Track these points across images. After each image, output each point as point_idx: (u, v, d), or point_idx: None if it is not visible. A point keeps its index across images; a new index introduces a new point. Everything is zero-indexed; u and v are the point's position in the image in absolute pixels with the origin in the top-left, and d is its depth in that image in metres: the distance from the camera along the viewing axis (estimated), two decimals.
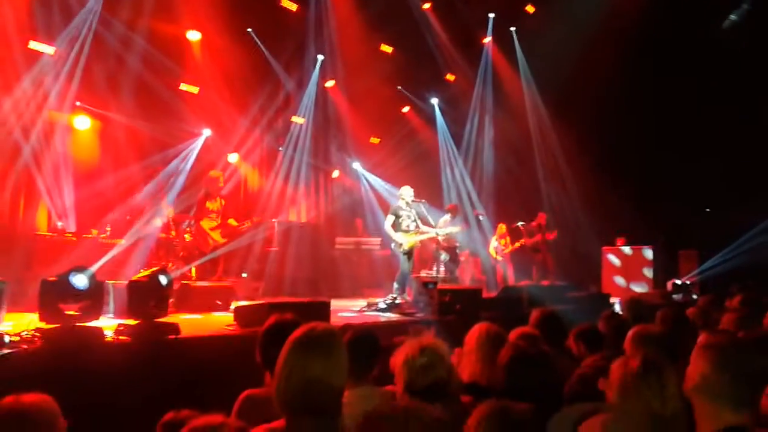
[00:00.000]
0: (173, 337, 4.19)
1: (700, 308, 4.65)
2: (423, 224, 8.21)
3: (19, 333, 3.79)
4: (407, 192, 8.17)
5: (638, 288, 11.17)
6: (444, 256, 9.83)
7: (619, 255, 12.32)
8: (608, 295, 8.84)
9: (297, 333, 1.89)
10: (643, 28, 11.61)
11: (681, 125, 12.37)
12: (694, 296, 9.80)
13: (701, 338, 1.92)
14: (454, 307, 6.24)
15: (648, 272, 11.81)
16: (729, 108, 12.13)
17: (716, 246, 12.10)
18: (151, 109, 9.58)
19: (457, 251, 10.28)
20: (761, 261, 11.36)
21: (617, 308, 6.30)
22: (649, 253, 11.90)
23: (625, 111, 12.56)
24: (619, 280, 12.06)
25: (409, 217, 7.98)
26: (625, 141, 12.78)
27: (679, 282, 10.17)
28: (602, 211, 11.85)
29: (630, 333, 2.92)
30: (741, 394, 1.71)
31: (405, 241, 7.82)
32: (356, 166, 13.58)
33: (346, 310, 7.22)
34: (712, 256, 12.01)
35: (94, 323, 3.97)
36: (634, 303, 4.31)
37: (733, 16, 12.61)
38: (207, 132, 10.52)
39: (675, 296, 9.72)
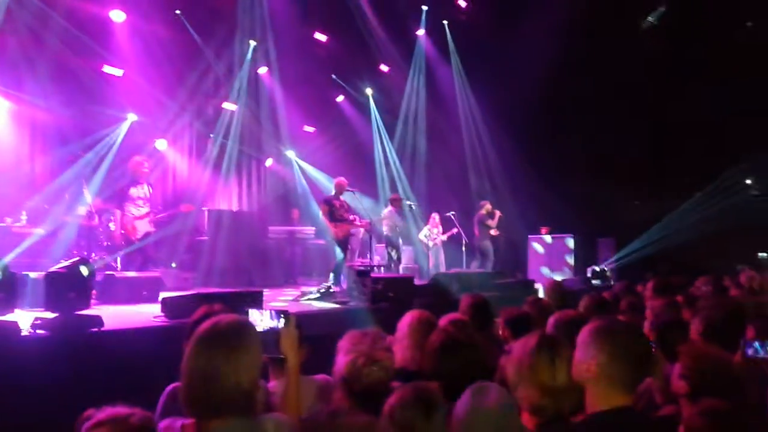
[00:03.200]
0: (96, 330, 4.03)
1: (613, 293, 4.96)
2: (354, 214, 8.33)
3: None
4: (341, 182, 8.25)
5: (560, 274, 11.72)
6: (390, 247, 9.96)
7: (543, 243, 12.87)
8: (533, 282, 9.25)
9: (201, 328, 1.78)
10: (569, 26, 12.10)
11: (601, 120, 13.03)
12: (612, 282, 10.42)
13: (589, 324, 2.04)
14: (387, 295, 6.33)
15: (569, 259, 12.42)
16: (643, 106, 12.90)
17: (632, 234, 12.90)
18: (72, 91, 9.06)
19: (398, 241, 10.44)
20: (671, 248, 12.22)
21: (540, 293, 6.60)
22: (570, 242, 12.51)
23: (550, 105, 13.11)
24: (543, 267, 12.60)
25: (342, 206, 8.09)
26: (550, 133, 13.35)
27: (597, 268, 10.75)
28: (528, 201, 12.34)
29: (552, 318, 3.07)
30: (625, 375, 1.83)
31: (339, 230, 7.91)
32: (290, 154, 13.43)
33: (280, 299, 7.17)
34: (628, 244, 12.79)
35: (8, 317, 3.76)
36: (556, 288, 4.52)
37: (650, 18, 13.36)
38: (132, 117, 10.08)
39: (594, 282, 10.27)
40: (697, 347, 2.58)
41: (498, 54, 12.82)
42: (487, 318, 3.78)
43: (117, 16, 9.61)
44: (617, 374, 1.82)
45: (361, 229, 10.24)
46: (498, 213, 11.26)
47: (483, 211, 11.22)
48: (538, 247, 12.92)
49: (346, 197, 8.58)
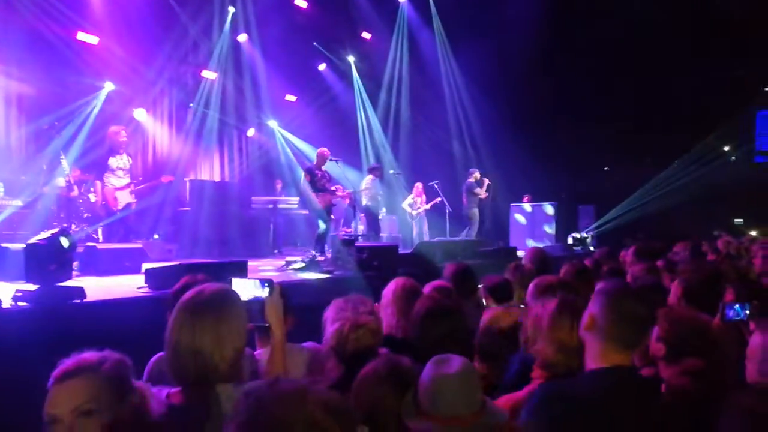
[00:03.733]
0: (78, 301, 4.00)
1: (595, 260, 5.04)
2: (337, 184, 8.32)
3: None
4: (323, 152, 8.26)
5: (541, 242, 11.87)
6: (367, 210, 9.93)
7: (525, 211, 12.98)
8: (515, 249, 9.35)
9: (184, 297, 1.77)
10: None
11: (581, 88, 13.03)
12: (591, 248, 10.58)
13: (598, 285, 2.10)
14: (372, 264, 6.36)
15: (550, 227, 12.56)
16: (623, 73, 12.91)
17: (612, 202, 13.06)
18: (46, 60, 8.79)
19: (378, 209, 10.44)
20: (650, 215, 12.41)
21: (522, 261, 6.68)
22: (551, 209, 12.63)
23: (533, 71, 13.05)
24: (525, 235, 12.74)
25: (324, 177, 8.06)
26: (533, 104, 13.33)
27: (578, 235, 10.89)
28: (510, 169, 12.39)
29: (532, 283, 3.12)
30: (626, 336, 1.87)
31: (321, 200, 7.90)
32: (272, 124, 13.26)
33: (264, 269, 7.17)
34: (607, 212, 12.97)
35: None
36: (537, 254, 4.55)
37: None
38: (109, 86, 9.84)
39: (575, 249, 10.42)
40: (675, 310, 2.64)
41: (480, 18, 12.68)
42: (471, 285, 3.82)
43: None
44: (615, 332, 1.86)
45: (346, 199, 10.23)
46: (486, 181, 11.30)
47: (471, 179, 11.24)
48: (520, 216, 13.04)
49: (330, 167, 8.53)
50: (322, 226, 8.03)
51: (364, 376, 1.77)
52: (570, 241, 10.73)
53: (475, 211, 11.17)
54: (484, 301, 3.71)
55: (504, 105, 13.14)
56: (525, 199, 13.12)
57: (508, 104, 13.14)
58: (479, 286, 3.81)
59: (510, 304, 3.63)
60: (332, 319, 2.28)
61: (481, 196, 11.15)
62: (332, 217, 10.65)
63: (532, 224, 12.83)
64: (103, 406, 1.50)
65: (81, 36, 9.34)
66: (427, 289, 3.14)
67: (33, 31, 8.54)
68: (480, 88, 13.67)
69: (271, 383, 1.16)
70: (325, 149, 8.45)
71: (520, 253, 8.41)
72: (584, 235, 11.07)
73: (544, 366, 2.10)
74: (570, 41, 12.64)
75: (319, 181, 8.01)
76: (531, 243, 12.55)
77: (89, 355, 1.57)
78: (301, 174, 8.38)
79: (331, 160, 8.74)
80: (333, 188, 8.28)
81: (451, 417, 1.63)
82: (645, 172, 13.48)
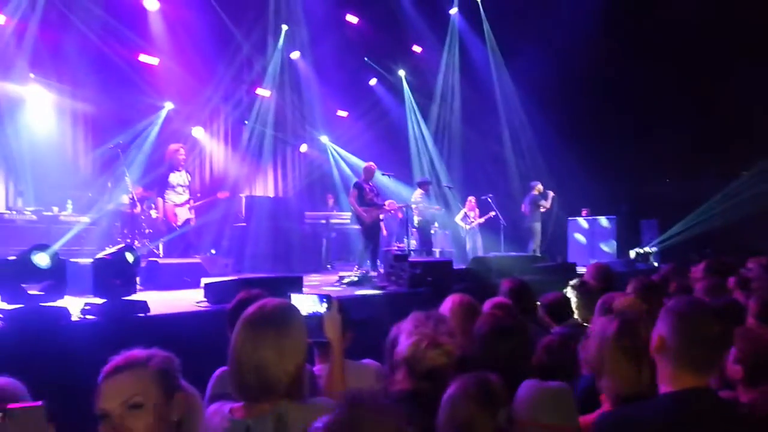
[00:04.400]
0: (142, 314, 4.11)
1: (662, 276, 4.79)
2: (385, 199, 8.36)
3: None
4: (370, 167, 8.33)
5: (602, 257, 11.47)
6: (418, 225, 9.90)
7: (584, 225, 12.59)
8: (574, 265, 9.05)
9: (247, 312, 1.77)
10: (608, 6, 11.70)
11: (641, 98, 12.60)
12: (656, 264, 10.14)
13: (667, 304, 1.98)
14: (426, 280, 6.28)
15: (611, 242, 12.12)
16: (687, 82, 12.40)
17: (676, 215, 12.49)
18: (110, 81, 9.25)
19: (430, 224, 10.38)
20: (717, 229, 11.79)
21: (585, 277, 6.46)
22: (612, 223, 12.20)
23: (590, 82, 12.73)
24: (584, 250, 12.35)
25: (372, 191, 8.09)
26: (589, 113, 12.97)
27: (641, 250, 10.46)
28: (568, 183, 12.06)
29: (600, 301, 2.98)
30: (699, 358, 1.75)
31: (369, 214, 7.93)
32: (324, 139, 13.44)
33: (318, 284, 7.21)
34: (671, 226, 12.40)
35: (58, 303, 3.86)
36: (601, 271, 4.37)
37: None
38: (169, 105, 10.23)
39: (638, 264, 10.01)
40: (752, 330, 2.47)
41: (534, 30, 12.49)
42: (529, 302, 3.70)
43: (151, 4, 9.73)
44: (687, 354, 1.74)
45: (398, 213, 10.22)
46: (551, 193, 11.07)
47: (535, 192, 11.01)
48: (579, 230, 12.66)
49: (382, 181, 8.57)
50: (368, 240, 8.08)
51: (454, 395, 1.73)
52: (632, 256, 10.31)
53: (538, 224, 10.95)
54: (543, 319, 3.60)
55: (559, 116, 12.85)
56: (583, 212, 12.74)
57: (564, 115, 12.84)
58: (538, 303, 3.70)
59: (570, 322, 3.50)
60: (409, 331, 2.24)
61: (545, 209, 10.93)
62: (384, 232, 10.70)
63: (591, 239, 12.43)
64: (152, 400, 1.52)
65: (143, 58, 9.78)
66: (487, 306, 3.06)
67: (98, 54, 8.99)
68: (533, 99, 13.44)
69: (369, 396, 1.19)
70: (372, 164, 8.48)
71: (579, 269, 8.14)
72: (647, 250, 10.61)
73: (611, 390, 1.98)
74: (628, 49, 12.27)
75: (366, 196, 8.05)
76: (586, 251, 12.18)
77: (137, 352, 1.60)
78: (351, 189, 8.45)
79: (383, 174, 8.77)
80: (380, 202, 8.31)
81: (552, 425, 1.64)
82: (711, 183, 12.85)
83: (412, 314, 2.30)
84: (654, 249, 11.14)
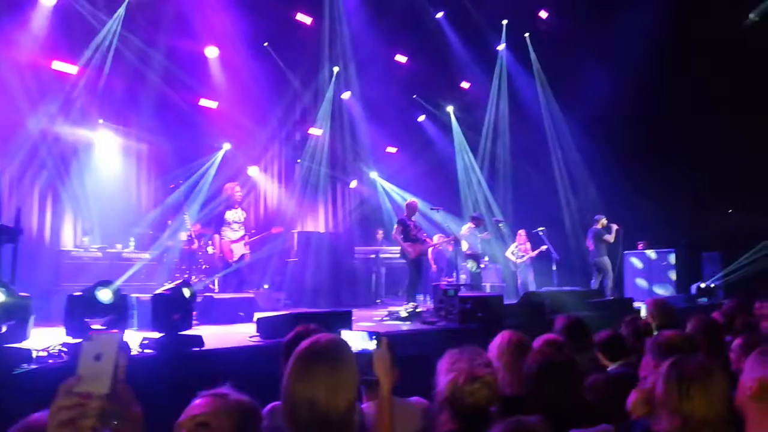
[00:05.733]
0: (197, 349, 4.22)
1: (725, 312, 4.57)
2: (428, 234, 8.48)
3: (46, 348, 3.85)
4: (412, 204, 8.49)
5: (661, 292, 11.00)
6: (470, 264, 9.87)
7: (641, 259, 12.16)
8: (631, 300, 8.73)
9: (300, 347, 1.79)
10: (662, 28, 11.51)
11: (700, 126, 12.20)
12: (720, 300, 9.63)
13: (737, 342, 1.87)
14: (476, 315, 6.20)
15: (671, 276, 11.63)
16: (750, 108, 11.94)
17: (739, 248, 11.87)
18: (172, 124, 9.76)
19: (480, 259, 10.29)
20: None
21: (642, 313, 6.23)
22: (671, 257, 11.73)
23: (643, 113, 12.45)
24: (642, 284, 11.89)
25: (415, 227, 8.23)
26: (643, 144, 12.66)
27: (703, 285, 9.97)
28: (623, 215, 11.71)
29: (650, 340, 2.87)
30: None
31: (413, 249, 8.03)
32: (374, 175, 13.63)
33: (367, 319, 7.22)
34: (735, 259, 11.78)
35: None
36: (660, 307, 4.20)
37: (753, 15, 12.44)
38: (226, 146, 10.66)
39: (700, 300, 9.55)
40: None
41: (583, 63, 12.41)
42: (585, 340, 3.59)
43: (211, 52, 10.28)
44: None
45: (448, 247, 10.20)
46: (615, 226, 10.77)
47: (598, 225, 10.73)
48: (636, 264, 12.21)
49: (432, 216, 8.66)
50: (415, 275, 8.17)
51: None
52: (694, 291, 9.84)
53: (605, 259, 10.63)
54: (598, 357, 3.48)
55: (612, 146, 12.58)
56: (639, 246, 12.31)
57: (617, 145, 12.57)
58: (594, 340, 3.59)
59: (624, 362, 3.37)
60: (446, 370, 2.22)
61: (610, 243, 10.65)
62: (433, 267, 10.66)
63: (648, 273, 11.95)
64: (220, 428, 1.57)
65: (203, 102, 10.29)
66: (537, 343, 3.00)
67: (161, 99, 9.53)
68: (584, 130, 13.25)
69: None
70: (415, 200, 8.63)
71: (637, 305, 7.85)
72: (710, 285, 10.10)
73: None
74: (682, 73, 11.96)
75: (410, 232, 8.14)
76: (644, 286, 11.70)
77: (225, 388, 1.70)
78: (394, 225, 8.57)
79: (431, 209, 8.81)
80: (423, 237, 8.40)
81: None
82: None
83: (447, 352, 2.27)
84: (717, 283, 10.60)
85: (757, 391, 1.68)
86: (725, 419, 1.75)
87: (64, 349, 3.82)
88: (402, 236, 8.13)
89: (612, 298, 9.67)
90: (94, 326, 3.97)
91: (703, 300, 9.51)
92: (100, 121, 9.15)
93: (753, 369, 1.71)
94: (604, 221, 10.77)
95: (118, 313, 4.06)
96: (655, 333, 3.17)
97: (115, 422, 0.92)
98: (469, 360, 2.17)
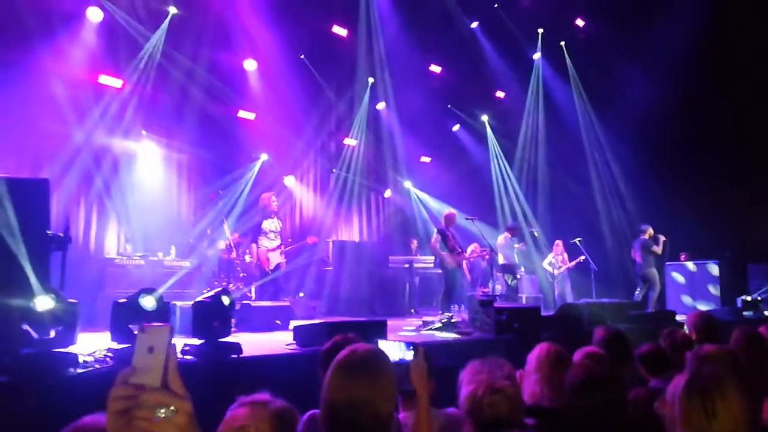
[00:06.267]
0: (235, 356, 4.30)
1: None
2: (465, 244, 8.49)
3: (92, 353, 3.97)
4: (450, 215, 8.52)
5: (705, 305, 10.66)
6: (507, 277, 9.79)
7: (684, 271, 11.81)
8: (673, 313, 8.48)
9: (339, 356, 1.80)
10: (702, 33, 11.25)
11: (744, 133, 11.84)
12: (766, 313, 9.28)
13: None
14: (512, 326, 6.13)
15: (714, 288, 11.26)
16: None
17: None
18: (211, 135, 10.01)
19: (516, 269, 10.18)
20: None
21: (685, 327, 6.06)
22: (715, 269, 11.36)
23: (684, 120, 12.15)
24: (685, 297, 11.54)
25: (454, 238, 8.28)
26: (684, 152, 12.32)
27: (748, 298, 9.61)
28: (664, 225, 11.42)
29: (690, 353, 2.80)
30: None
31: (452, 259, 8.09)
32: (408, 184, 13.65)
33: (401, 329, 7.21)
34: None
35: None
36: (703, 320, 4.07)
37: None
38: (264, 156, 10.85)
39: (745, 313, 9.21)
40: None
41: (620, 71, 12.22)
42: (624, 352, 3.51)
43: (249, 65, 10.51)
44: None
45: (484, 257, 10.13)
46: (662, 237, 10.49)
47: (646, 236, 10.45)
48: (679, 276, 11.87)
49: (467, 225, 8.66)
50: (452, 284, 8.20)
51: None
52: (739, 304, 9.49)
53: (653, 270, 10.35)
54: (639, 370, 3.40)
55: (651, 155, 12.30)
56: (682, 257, 11.96)
57: (656, 154, 12.28)
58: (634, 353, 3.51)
59: (668, 375, 3.28)
60: (467, 381, 2.21)
61: (657, 254, 10.40)
62: (468, 277, 10.59)
63: (692, 285, 11.59)
64: None
65: (241, 113, 10.52)
66: (577, 356, 2.95)
67: (202, 111, 9.79)
68: (622, 138, 13.00)
69: None
70: (453, 211, 8.65)
71: (679, 318, 7.63)
72: (757, 297, 9.73)
73: None
74: (725, 81, 11.64)
75: (449, 242, 8.18)
76: (687, 298, 11.35)
77: (263, 395, 1.74)
78: (433, 234, 8.59)
79: (466, 218, 8.79)
80: (459, 250, 8.42)
81: None
82: None
83: (469, 363, 2.26)
84: (764, 296, 10.21)
85: None
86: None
87: (110, 354, 3.94)
88: (439, 246, 8.15)
89: (654, 310, 9.41)
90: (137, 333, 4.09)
91: (749, 313, 9.17)
92: (144, 132, 9.45)
93: None
94: (651, 231, 10.50)
95: (161, 319, 4.17)
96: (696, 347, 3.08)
97: (167, 415, 0.94)
98: (490, 372, 2.15)
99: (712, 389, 1.77)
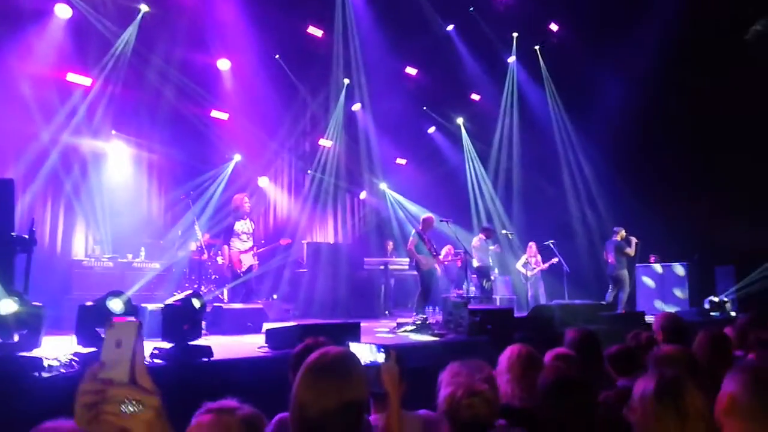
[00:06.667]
0: (206, 359, 4.23)
1: (737, 327, 4.50)
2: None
3: (58, 357, 3.87)
4: (428, 219, 8.56)
5: (673, 306, 10.89)
6: (484, 281, 9.85)
7: (653, 274, 12.05)
8: (643, 314, 8.65)
9: (310, 359, 1.79)
10: (673, 39, 11.49)
11: (712, 137, 12.13)
12: (732, 314, 9.52)
13: (750, 357, 1.87)
14: (485, 328, 6.16)
15: (682, 290, 11.51)
16: (757, 121, 11.85)
17: (755, 262, 11.73)
18: (183, 136, 9.85)
19: (490, 271, 10.25)
20: None
21: (653, 327, 6.17)
22: (682, 270, 11.62)
23: (652, 126, 12.41)
24: (654, 298, 11.77)
25: (430, 241, 8.33)
26: (653, 156, 12.58)
27: (716, 299, 9.86)
28: (634, 228, 11.64)
29: (651, 354, 2.85)
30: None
31: (427, 262, 8.13)
32: (383, 186, 13.65)
33: (376, 331, 7.20)
34: (750, 273, 11.64)
35: None
36: (670, 321, 4.14)
37: (757, 26, 12.38)
38: (237, 157, 10.74)
39: (712, 314, 9.44)
40: None
41: (593, 75, 12.41)
42: (595, 354, 3.56)
43: (223, 64, 10.39)
44: (757, 412, 1.63)
45: (457, 261, 10.19)
46: (634, 239, 10.64)
47: (618, 237, 10.60)
48: (648, 277, 12.11)
49: (441, 227, 8.69)
50: (428, 287, 8.24)
51: None
52: (707, 305, 9.72)
53: (625, 272, 10.49)
54: (608, 371, 3.45)
55: (623, 158, 12.53)
56: (651, 259, 12.21)
57: (628, 157, 12.51)
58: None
59: (636, 375, 3.34)
60: (446, 382, 2.21)
61: (630, 256, 10.55)
62: (443, 278, 10.64)
63: (661, 287, 11.83)
64: None
65: (214, 113, 10.39)
66: (548, 357, 2.97)
67: (173, 111, 9.64)
68: (595, 142, 13.22)
69: None
70: (431, 215, 8.67)
71: (648, 319, 7.77)
72: (723, 299, 9.98)
73: None
74: (696, 83, 11.90)
75: (425, 245, 8.18)
76: (656, 299, 11.57)
77: (230, 401, 1.70)
78: (410, 236, 8.61)
79: (441, 220, 8.84)
80: (436, 252, 8.47)
81: None
82: None
83: (449, 364, 2.26)
84: (730, 298, 10.48)
85: (727, 406, 1.67)
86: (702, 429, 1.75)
87: (76, 359, 3.84)
88: (416, 249, 8.18)
89: (624, 311, 9.57)
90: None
91: (716, 314, 9.40)
92: (113, 132, 9.25)
93: (727, 384, 1.70)
94: (623, 233, 10.66)
95: None
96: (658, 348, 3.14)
97: (135, 409, 0.95)
98: (469, 375, 2.16)
99: (681, 390, 1.82)
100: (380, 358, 2.17)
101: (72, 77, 8.65)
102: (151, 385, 0.98)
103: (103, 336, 1.02)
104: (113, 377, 0.96)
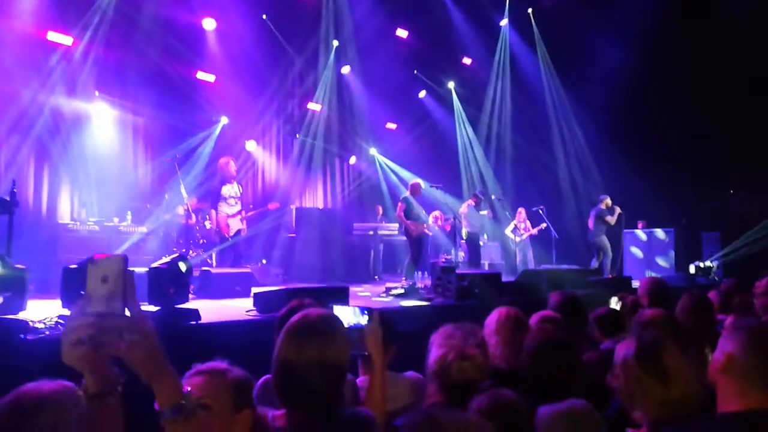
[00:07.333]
0: (194, 323, 4.22)
1: (721, 292, 4.56)
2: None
3: (43, 320, 3.85)
4: (416, 185, 8.56)
5: (660, 271, 11.03)
6: (467, 237, 9.85)
7: (640, 238, 12.16)
8: (629, 279, 8.75)
9: (291, 320, 1.80)
10: (667, 5, 11.33)
11: (702, 104, 12.09)
12: (716, 279, 9.67)
13: (730, 321, 1.88)
14: (473, 292, 6.21)
15: (669, 255, 11.65)
16: (753, 88, 11.81)
17: (740, 228, 11.86)
18: (168, 97, 9.63)
19: (479, 236, 10.28)
20: None
21: (638, 291, 6.24)
22: (670, 236, 11.74)
23: (644, 91, 12.33)
24: (641, 264, 11.91)
25: (418, 206, 8.37)
26: (645, 122, 12.56)
27: (701, 264, 9.99)
28: (623, 193, 11.69)
29: (634, 319, 2.88)
30: (763, 374, 1.64)
31: (415, 228, 8.18)
32: (373, 151, 13.55)
33: (366, 295, 7.24)
34: (735, 239, 11.78)
35: None
36: (654, 285, 4.18)
37: None
38: (224, 120, 10.56)
39: (698, 279, 9.58)
40: None
41: (586, 40, 12.25)
42: (580, 316, 3.59)
43: (208, 24, 10.12)
44: (759, 372, 1.64)
45: (446, 226, 10.20)
46: (618, 209, 10.65)
47: (602, 206, 10.58)
48: (635, 243, 12.23)
49: (433, 192, 8.73)
50: (417, 252, 8.27)
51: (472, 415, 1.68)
52: (692, 270, 9.85)
53: (603, 238, 10.54)
54: (593, 333, 3.49)
55: (613, 124, 12.50)
56: (639, 225, 12.29)
57: (618, 124, 12.48)
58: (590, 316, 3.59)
59: (620, 337, 3.38)
60: (438, 344, 2.22)
61: (610, 224, 10.61)
62: (428, 243, 10.68)
63: (647, 252, 11.96)
64: (220, 407, 1.57)
65: (200, 75, 10.16)
66: (533, 319, 3.00)
67: (158, 72, 9.40)
68: (586, 108, 13.14)
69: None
70: (419, 181, 8.64)
71: (635, 283, 7.87)
72: (709, 264, 10.11)
73: (646, 417, 1.84)
74: (687, 51, 11.81)
75: (413, 210, 8.19)
76: (643, 265, 11.71)
77: (219, 363, 1.68)
78: (399, 202, 8.60)
79: (431, 186, 8.81)
80: (431, 216, 8.50)
81: None
82: None
83: (442, 326, 2.27)
84: (716, 263, 10.62)
85: (725, 364, 1.68)
86: (700, 394, 1.77)
87: (61, 321, 3.82)
88: (405, 214, 8.15)
89: (610, 276, 9.68)
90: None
91: (701, 279, 9.55)
92: (96, 93, 9.04)
93: (723, 343, 1.72)
94: (608, 201, 10.69)
95: None
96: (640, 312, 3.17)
97: (134, 338, 0.98)
98: (462, 338, 2.17)
99: (660, 352, 1.83)
100: (363, 320, 2.16)
101: (53, 36, 8.38)
102: (143, 314, 1.00)
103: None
104: (105, 310, 0.98)
